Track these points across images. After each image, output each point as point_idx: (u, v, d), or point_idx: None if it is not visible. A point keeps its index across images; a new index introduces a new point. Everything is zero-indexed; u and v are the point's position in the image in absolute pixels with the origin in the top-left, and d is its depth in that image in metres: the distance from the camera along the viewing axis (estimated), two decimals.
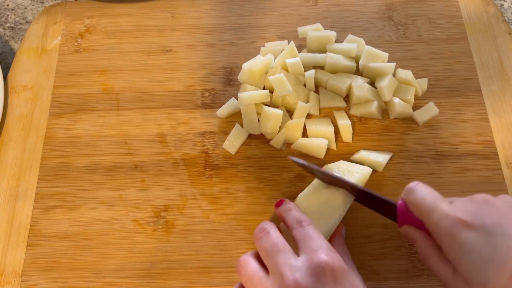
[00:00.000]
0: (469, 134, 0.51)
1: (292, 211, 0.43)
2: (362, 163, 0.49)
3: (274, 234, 0.40)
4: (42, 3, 0.64)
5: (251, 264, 0.39)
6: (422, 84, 0.53)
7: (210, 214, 0.48)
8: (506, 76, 0.54)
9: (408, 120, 0.52)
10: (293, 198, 0.46)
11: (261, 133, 0.51)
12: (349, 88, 0.52)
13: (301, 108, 0.51)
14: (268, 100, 0.51)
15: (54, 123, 0.54)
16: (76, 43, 0.58)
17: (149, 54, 0.57)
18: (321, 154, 0.50)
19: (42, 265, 0.47)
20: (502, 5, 0.61)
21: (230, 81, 0.55)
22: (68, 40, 0.59)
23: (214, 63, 0.56)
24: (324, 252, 0.37)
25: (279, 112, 0.49)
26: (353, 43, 0.54)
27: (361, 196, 0.44)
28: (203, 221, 0.48)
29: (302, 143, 0.50)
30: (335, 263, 0.37)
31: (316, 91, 0.53)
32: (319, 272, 0.36)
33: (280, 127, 0.51)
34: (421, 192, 0.39)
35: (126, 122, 0.53)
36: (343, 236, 0.45)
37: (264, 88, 0.53)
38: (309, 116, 0.52)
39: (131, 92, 0.55)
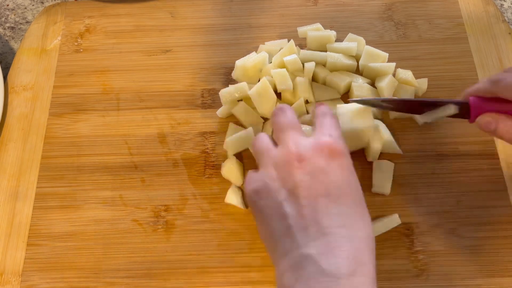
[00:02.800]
0: (469, 134, 0.51)
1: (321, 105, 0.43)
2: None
3: (290, 114, 0.41)
4: (42, 3, 0.64)
5: (265, 138, 0.41)
6: (422, 84, 0.53)
7: (210, 214, 0.48)
8: None
9: (408, 120, 0.51)
10: None
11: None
12: (348, 87, 0.52)
13: (301, 83, 0.51)
14: (247, 92, 0.51)
15: (54, 123, 0.54)
16: (76, 43, 0.58)
17: (149, 54, 0.57)
18: None
19: (42, 265, 0.47)
20: (502, 5, 0.61)
21: (230, 81, 0.55)
22: (68, 40, 0.59)
23: (214, 63, 0.56)
24: (329, 136, 0.38)
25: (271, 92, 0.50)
26: (353, 42, 0.54)
27: (426, 106, 0.45)
28: (203, 221, 0.48)
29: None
30: (338, 144, 0.38)
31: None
32: (321, 148, 0.37)
33: None
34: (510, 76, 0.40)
35: (126, 122, 0.53)
36: None
37: None
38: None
39: (131, 92, 0.55)
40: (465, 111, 0.43)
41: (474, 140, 0.51)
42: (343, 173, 0.37)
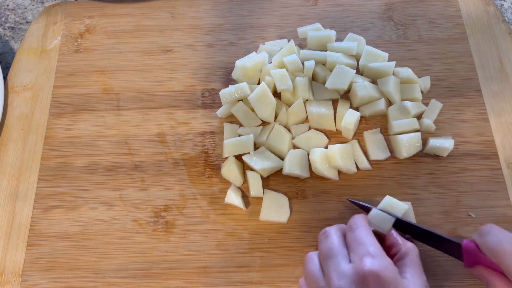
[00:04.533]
0: (469, 134, 0.51)
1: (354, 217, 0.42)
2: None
3: (332, 238, 0.40)
4: (42, 3, 0.64)
5: (314, 262, 0.40)
6: (425, 83, 0.53)
7: (210, 214, 0.48)
8: (506, 76, 0.54)
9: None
10: (292, 198, 0.46)
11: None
12: (349, 87, 0.52)
13: (301, 83, 0.51)
14: (248, 92, 0.51)
15: (54, 123, 0.54)
16: (76, 43, 0.58)
17: (149, 54, 0.57)
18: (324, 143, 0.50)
19: (42, 265, 0.47)
20: (502, 5, 0.61)
21: (230, 81, 0.55)
22: (68, 40, 0.59)
23: (214, 63, 0.56)
24: (370, 260, 0.36)
25: (271, 96, 0.50)
26: (354, 42, 0.54)
27: (422, 235, 0.43)
28: (203, 221, 0.48)
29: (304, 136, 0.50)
30: (381, 271, 0.36)
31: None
32: (363, 281, 0.35)
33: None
34: (496, 235, 0.38)
35: (126, 122, 0.53)
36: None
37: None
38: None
39: (131, 92, 0.55)
40: (459, 253, 0.41)
41: (474, 140, 0.51)
42: None
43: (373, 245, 0.38)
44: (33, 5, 0.64)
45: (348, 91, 0.53)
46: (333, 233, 0.41)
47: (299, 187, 0.49)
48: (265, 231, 0.47)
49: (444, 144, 0.49)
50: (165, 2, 0.61)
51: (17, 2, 0.64)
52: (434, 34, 0.57)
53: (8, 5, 0.64)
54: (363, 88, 0.51)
